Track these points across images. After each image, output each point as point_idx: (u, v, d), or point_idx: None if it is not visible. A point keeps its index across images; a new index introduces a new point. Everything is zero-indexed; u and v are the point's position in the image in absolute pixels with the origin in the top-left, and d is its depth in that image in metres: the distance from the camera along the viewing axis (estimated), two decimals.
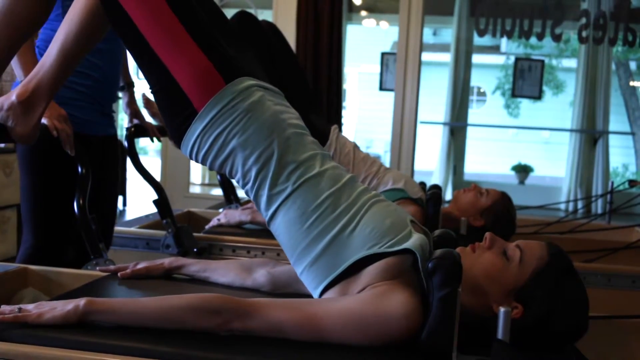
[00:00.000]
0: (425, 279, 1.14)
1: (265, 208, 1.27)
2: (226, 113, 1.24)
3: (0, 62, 1.42)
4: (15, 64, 1.73)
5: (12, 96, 1.41)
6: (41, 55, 1.80)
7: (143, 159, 2.24)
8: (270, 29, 2.60)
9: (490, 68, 11.42)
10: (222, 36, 1.33)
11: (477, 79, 11.36)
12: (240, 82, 1.26)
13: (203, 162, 1.30)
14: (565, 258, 1.20)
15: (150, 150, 11.21)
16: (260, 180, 1.25)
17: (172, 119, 1.30)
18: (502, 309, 1.10)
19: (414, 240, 1.18)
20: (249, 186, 1.28)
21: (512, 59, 8.56)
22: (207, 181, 8.05)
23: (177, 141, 1.31)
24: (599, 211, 6.63)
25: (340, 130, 2.58)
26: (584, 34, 5.30)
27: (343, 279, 1.20)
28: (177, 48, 1.25)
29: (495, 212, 2.37)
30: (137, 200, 6.44)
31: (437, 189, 2.39)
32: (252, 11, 5.81)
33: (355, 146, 2.46)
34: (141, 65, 1.32)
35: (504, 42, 11.25)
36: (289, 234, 1.25)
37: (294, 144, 1.26)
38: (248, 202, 2.79)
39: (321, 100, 4.89)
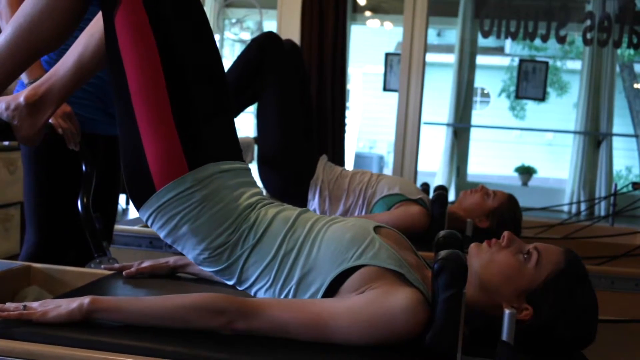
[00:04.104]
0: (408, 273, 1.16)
1: (228, 280, 1.30)
2: (182, 199, 1.24)
3: (12, 74, 1.39)
4: None
5: (20, 97, 1.41)
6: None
7: None
8: (291, 50, 2.68)
9: (494, 69, 11.40)
10: (207, 98, 1.30)
11: (481, 81, 11.34)
12: (202, 170, 1.25)
13: (158, 233, 1.31)
14: (582, 266, 1.19)
15: None
16: (215, 261, 1.27)
17: (132, 184, 1.29)
18: (507, 311, 1.09)
19: (376, 252, 1.18)
20: (203, 265, 1.30)
21: (517, 60, 8.53)
22: None
23: (135, 206, 1.31)
24: (602, 213, 6.61)
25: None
26: (588, 36, 5.29)
27: None
28: (156, 121, 1.24)
29: (502, 214, 2.36)
30: None
31: (442, 190, 2.39)
32: (256, 11, 5.81)
33: (343, 169, 2.58)
34: (119, 117, 1.31)
35: (508, 44, 11.23)
36: (263, 289, 1.26)
37: (245, 220, 1.26)
38: None
39: (325, 117, 4.89)
